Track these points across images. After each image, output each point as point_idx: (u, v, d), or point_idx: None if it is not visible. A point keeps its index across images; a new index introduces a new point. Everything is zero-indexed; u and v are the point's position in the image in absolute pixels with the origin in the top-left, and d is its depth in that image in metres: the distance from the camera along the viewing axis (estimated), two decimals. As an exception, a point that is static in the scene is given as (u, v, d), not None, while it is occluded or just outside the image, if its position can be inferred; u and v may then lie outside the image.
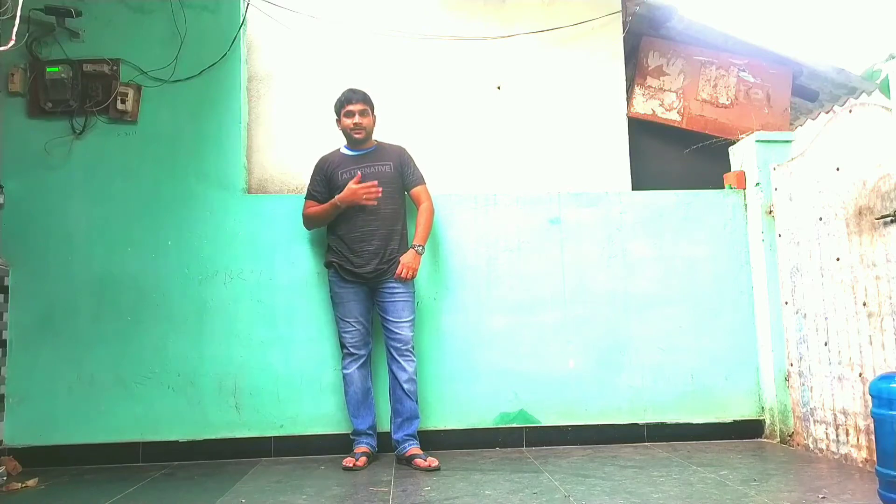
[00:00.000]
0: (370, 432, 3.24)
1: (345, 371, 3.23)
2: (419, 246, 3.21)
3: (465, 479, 2.86)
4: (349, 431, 3.29)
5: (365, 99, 3.26)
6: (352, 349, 3.20)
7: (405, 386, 3.15)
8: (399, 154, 3.34)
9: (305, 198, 3.35)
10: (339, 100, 3.29)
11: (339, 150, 3.35)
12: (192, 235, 3.47)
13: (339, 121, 3.30)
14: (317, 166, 3.35)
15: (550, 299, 3.59)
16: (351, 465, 3.03)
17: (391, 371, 3.21)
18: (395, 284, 3.18)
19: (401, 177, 3.30)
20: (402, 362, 3.16)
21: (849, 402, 3.01)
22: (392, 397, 3.23)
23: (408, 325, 3.19)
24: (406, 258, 3.18)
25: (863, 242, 2.93)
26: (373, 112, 3.30)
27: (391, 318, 3.18)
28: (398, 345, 3.17)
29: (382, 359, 3.32)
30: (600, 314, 3.61)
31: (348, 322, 3.20)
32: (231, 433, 3.39)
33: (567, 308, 3.60)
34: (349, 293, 3.20)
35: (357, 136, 3.25)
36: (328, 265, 3.27)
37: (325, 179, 3.29)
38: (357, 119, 3.23)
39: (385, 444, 3.28)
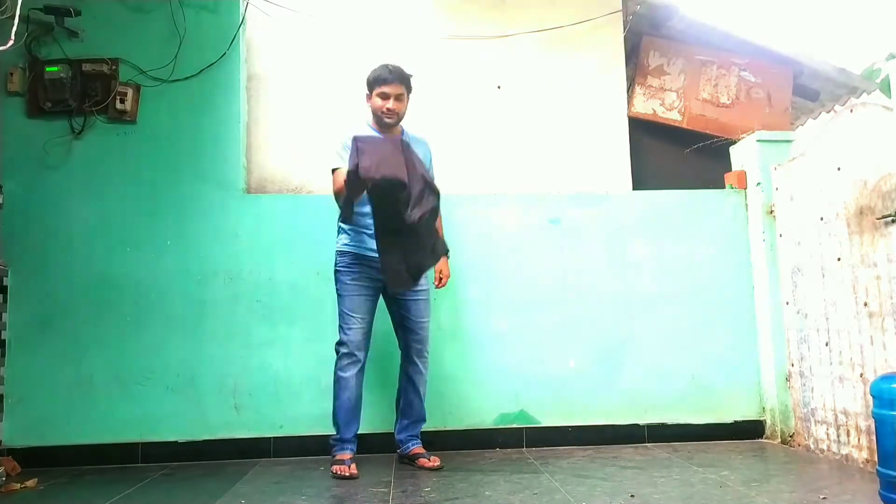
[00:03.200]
0: (354, 439, 3.08)
1: (341, 373, 3.00)
2: (447, 251, 3.07)
3: (465, 479, 2.86)
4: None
5: (403, 79, 3.00)
6: (353, 349, 2.99)
7: (420, 389, 3.10)
8: (426, 150, 3.16)
9: (335, 169, 2.97)
10: (374, 75, 3.02)
11: (366, 126, 3.07)
12: (191, 235, 3.47)
13: (369, 97, 3.05)
14: (341, 142, 2.98)
15: (550, 299, 3.59)
16: (346, 473, 2.88)
17: (406, 374, 3.11)
18: (420, 283, 3.01)
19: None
20: (420, 364, 3.09)
21: (850, 403, 3.01)
22: (403, 399, 3.14)
23: (428, 325, 3.11)
24: (442, 266, 3.09)
25: (864, 242, 2.93)
26: (409, 95, 3.06)
27: (414, 318, 3.06)
28: (419, 346, 3.08)
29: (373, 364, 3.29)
30: (600, 314, 3.60)
31: (354, 318, 2.99)
32: (230, 434, 3.38)
33: (567, 308, 3.59)
34: (363, 287, 3.01)
35: (389, 120, 3.02)
36: (342, 253, 3.05)
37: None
38: (392, 104, 2.98)
39: (382, 445, 3.27)
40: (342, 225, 3.06)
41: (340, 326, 3.05)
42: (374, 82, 3.03)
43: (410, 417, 3.14)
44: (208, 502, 2.59)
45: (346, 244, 3.06)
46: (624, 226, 3.67)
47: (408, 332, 3.09)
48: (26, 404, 3.32)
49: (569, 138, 3.95)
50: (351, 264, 3.03)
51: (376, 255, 2.89)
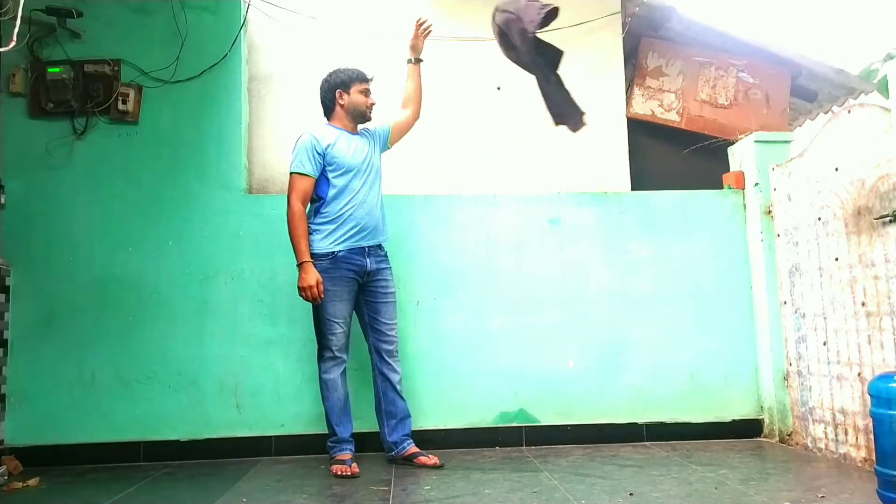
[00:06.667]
0: (352, 439, 3.11)
1: (326, 376, 3.03)
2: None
3: (465, 478, 2.87)
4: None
5: None
6: (336, 352, 3.02)
7: (398, 387, 3.12)
8: (371, 132, 3.26)
9: (300, 174, 3.03)
10: (353, 73, 3.14)
11: (328, 127, 3.13)
12: (193, 235, 3.48)
13: (344, 94, 3.12)
14: (310, 145, 3.04)
15: (550, 299, 3.61)
16: (348, 473, 2.91)
17: (381, 374, 3.12)
18: (389, 284, 3.14)
19: (381, 143, 3.25)
20: (393, 364, 3.13)
21: (847, 402, 3.03)
22: (383, 400, 3.13)
23: (397, 326, 3.18)
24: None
25: (861, 242, 2.95)
26: None
27: (384, 320, 3.11)
28: (389, 347, 3.12)
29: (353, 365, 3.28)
30: (600, 314, 3.62)
31: (337, 323, 3.01)
32: (232, 432, 3.40)
33: (566, 308, 3.61)
34: (344, 291, 3.03)
35: (371, 115, 3.18)
36: (318, 256, 2.99)
37: (322, 157, 3.04)
38: (373, 99, 3.18)
39: (381, 443, 3.28)
40: (317, 225, 3.05)
41: (322, 332, 3.04)
42: (354, 79, 3.15)
43: (397, 416, 3.13)
44: (210, 501, 2.60)
45: (323, 245, 3.02)
46: (623, 226, 3.69)
47: (378, 333, 3.12)
48: (28, 403, 3.33)
49: (568, 139, 3.93)
50: (329, 268, 3.01)
51: (358, 254, 3.03)
